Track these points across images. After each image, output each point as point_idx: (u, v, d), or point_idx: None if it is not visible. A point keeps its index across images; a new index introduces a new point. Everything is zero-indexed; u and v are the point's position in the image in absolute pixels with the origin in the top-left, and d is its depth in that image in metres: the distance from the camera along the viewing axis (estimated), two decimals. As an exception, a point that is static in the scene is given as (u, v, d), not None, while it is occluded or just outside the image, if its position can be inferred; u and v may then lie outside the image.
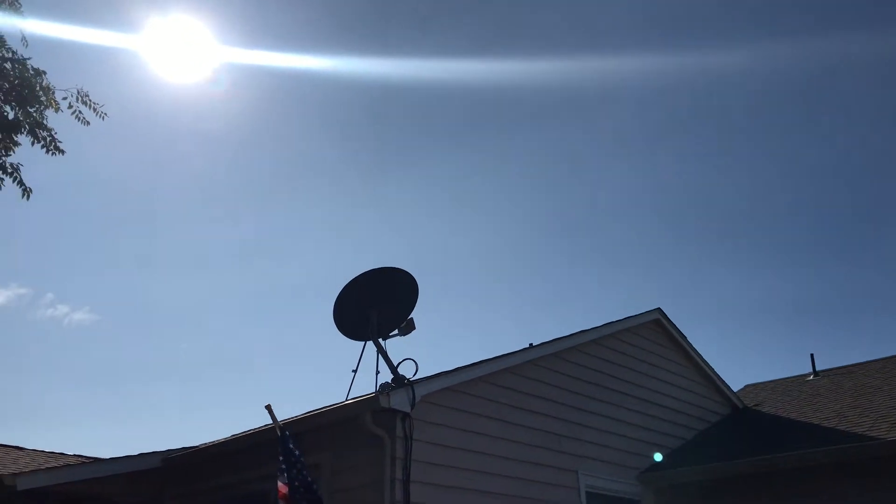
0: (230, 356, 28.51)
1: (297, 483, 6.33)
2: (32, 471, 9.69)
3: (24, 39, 7.10)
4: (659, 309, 11.57)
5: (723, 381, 12.34)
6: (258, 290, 26.70)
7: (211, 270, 25.84)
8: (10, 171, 6.91)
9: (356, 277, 8.24)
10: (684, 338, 11.82)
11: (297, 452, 6.49)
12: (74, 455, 14.69)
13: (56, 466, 9.87)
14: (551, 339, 9.49)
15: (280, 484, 6.35)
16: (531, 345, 9.24)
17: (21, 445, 14.83)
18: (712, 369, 12.16)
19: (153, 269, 25.81)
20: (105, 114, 7.03)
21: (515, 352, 8.91)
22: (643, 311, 11.31)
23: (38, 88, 6.70)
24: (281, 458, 6.45)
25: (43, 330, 26.28)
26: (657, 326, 11.61)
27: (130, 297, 26.16)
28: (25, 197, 6.95)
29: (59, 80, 7.15)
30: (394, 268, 8.23)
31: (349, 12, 19.17)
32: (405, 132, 22.99)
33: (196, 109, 17.99)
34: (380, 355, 7.76)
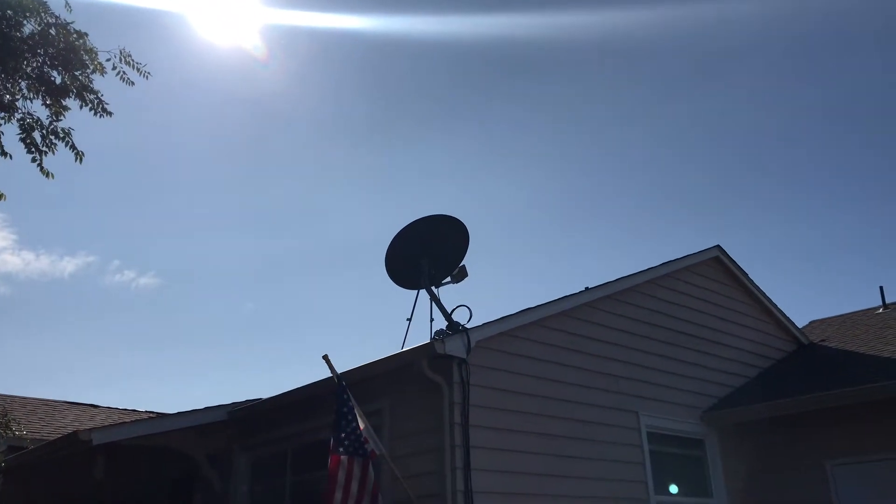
0: (291, 314, 29.13)
1: (343, 435, 6.41)
2: (107, 426, 10.10)
3: (67, 5, 7.14)
4: (718, 246, 11.25)
5: (786, 317, 12.00)
6: (314, 247, 27.08)
7: (265, 230, 26.25)
8: (62, 135, 6.99)
9: (406, 226, 8.22)
10: (745, 274, 11.50)
11: (350, 403, 6.56)
12: (146, 411, 15.31)
13: (128, 422, 10.26)
14: (606, 281, 9.34)
15: (332, 455, 6.40)
16: (587, 288, 9.12)
17: (96, 403, 15.50)
18: (775, 305, 11.82)
19: (210, 231, 26.37)
20: (148, 73, 7.03)
21: (570, 295, 8.80)
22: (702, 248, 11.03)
23: (81, 51, 6.73)
24: (335, 410, 6.54)
25: (112, 295, 27.23)
26: (716, 264, 11.31)
27: (192, 260, 26.84)
28: (78, 160, 7.04)
29: (103, 44, 7.18)
30: (443, 215, 8.18)
31: None
32: (448, 87, 22.76)
33: (241, 71, 18.05)
34: (433, 303, 7.76)
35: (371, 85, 21.77)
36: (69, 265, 26.74)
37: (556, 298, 8.51)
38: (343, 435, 6.43)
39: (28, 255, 25.89)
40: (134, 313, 28.08)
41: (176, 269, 27.86)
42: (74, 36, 6.68)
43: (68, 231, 27.42)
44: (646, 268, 9.96)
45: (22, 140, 6.83)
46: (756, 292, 11.62)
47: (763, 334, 11.69)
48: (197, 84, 18.99)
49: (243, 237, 26.47)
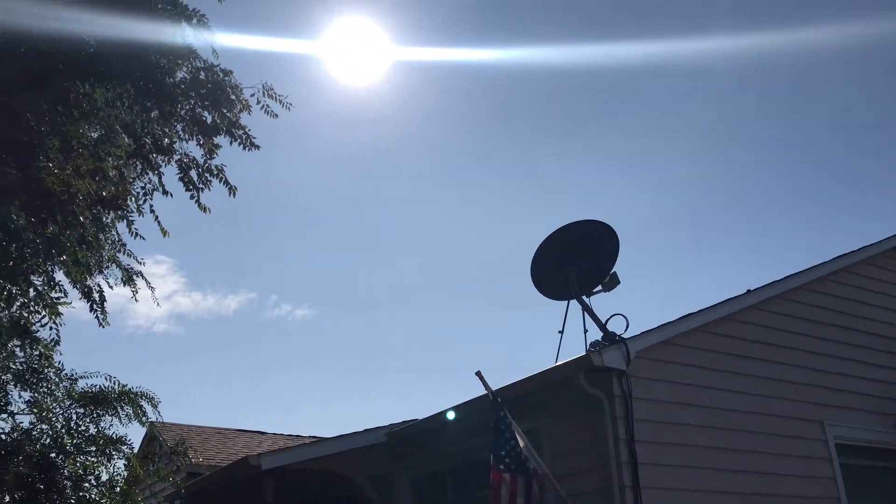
0: (440, 333, 29.45)
1: (503, 453, 6.20)
2: (274, 451, 10.44)
3: (214, 52, 7.52)
4: (899, 235, 10.14)
5: None
6: (455, 268, 27.28)
7: (406, 254, 26.75)
8: (216, 172, 7.32)
9: (551, 234, 7.93)
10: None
11: (507, 420, 6.35)
12: (309, 436, 15.81)
13: (293, 446, 10.57)
14: (771, 280, 8.60)
15: (493, 472, 6.23)
16: (748, 290, 8.43)
17: (263, 430, 16.20)
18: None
19: (354, 259, 27.25)
20: (290, 104, 7.23)
21: (734, 297, 8.16)
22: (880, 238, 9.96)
23: (228, 89, 7.02)
24: (493, 427, 6.36)
25: (272, 328, 28.71)
26: (899, 254, 10.19)
27: (343, 289, 27.82)
28: (232, 195, 7.35)
29: (244, 83, 7.48)
30: (589, 220, 7.82)
31: (508, 4, 19.45)
32: (573, 109, 22.55)
33: (373, 104, 18.65)
34: (585, 313, 7.42)
35: (494, 110, 21.98)
36: (232, 302, 28.48)
37: (717, 302, 7.92)
38: (503, 452, 6.23)
39: (197, 296, 27.82)
40: (293, 343, 29.44)
41: (328, 298, 28.98)
42: (220, 75, 6.98)
43: (230, 270, 29.25)
44: (816, 263, 9.10)
45: (180, 179, 7.21)
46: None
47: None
48: (330, 115, 19.79)
49: (386, 263, 27.13)
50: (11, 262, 7.08)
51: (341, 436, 9.47)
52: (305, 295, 28.88)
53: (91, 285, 8.18)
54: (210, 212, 7.14)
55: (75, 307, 8.37)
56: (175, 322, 28.86)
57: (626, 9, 20.22)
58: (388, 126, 20.39)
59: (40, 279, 8.10)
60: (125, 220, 8.05)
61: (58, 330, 7.56)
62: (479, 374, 6.63)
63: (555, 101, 22.19)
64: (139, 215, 7.77)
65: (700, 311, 7.71)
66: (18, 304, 7.42)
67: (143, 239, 7.72)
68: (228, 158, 7.48)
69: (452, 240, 26.64)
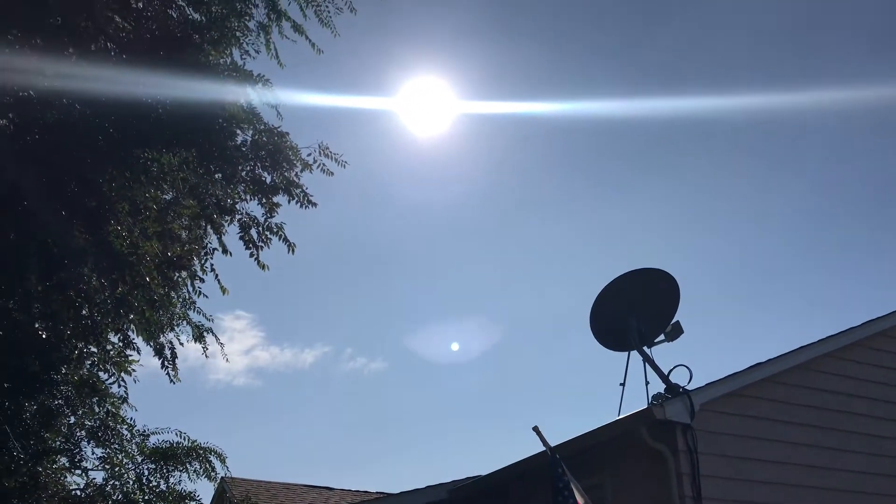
0: (503, 389, 29.15)
1: None
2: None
3: (278, 114, 7.83)
4: None
5: None
6: (522, 318, 27.08)
7: (469, 312, 26.77)
8: (275, 230, 7.52)
9: (610, 283, 7.77)
10: None
11: (565, 477, 6.16)
12: (377, 491, 15.70)
13: (359, 503, 10.52)
14: (847, 328, 8.18)
15: None
16: (820, 340, 8.02)
17: (330, 486, 16.18)
18: None
19: (419, 315, 27.49)
20: (346, 162, 7.41)
21: (807, 345, 7.80)
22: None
23: (287, 149, 7.25)
24: (551, 485, 6.18)
25: (348, 381, 29.01)
26: None
27: (413, 343, 28.00)
28: (291, 252, 7.52)
29: (306, 140, 7.72)
30: (648, 268, 7.64)
31: (573, 59, 19.99)
32: (636, 157, 22.58)
33: (441, 157, 19.04)
34: (647, 364, 7.20)
35: (555, 160, 22.20)
36: (309, 356, 28.93)
37: (788, 351, 7.58)
38: None
39: (275, 350, 28.39)
40: (368, 396, 29.63)
41: (401, 352, 29.14)
42: (278, 137, 7.22)
43: (306, 324, 29.78)
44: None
45: (241, 238, 7.43)
46: None
47: None
48: (403, 167, 20.23)
49: (452, 318, 27.21)
50: (84, 322, 7.41)
51: (404, 492, 9.40)
52: (379, 347, 29.21)
53: (163, 342, 8.44)
54: (269, 269, 7.31)
55: (144, 365, 8.63)
56: (254, 376, 29.51)
57: (692, 62, 20.34)
58: (459, 177, 20.74)
59: (116, 337, 8.42)
60: (194, 279, 8.33)
61: (126, 387, 7.82)
62: (536, 429, 6.48)
63: (616, 150, 22.18)
64: (203, 274, 8.04)
65: (769, 360, 7.40)
66: (89, 362, 7.71)
67: (206, 297, 7.95)
68: (300, 214, 7.64)
69: (514, 293, 26.57)
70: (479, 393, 28.90)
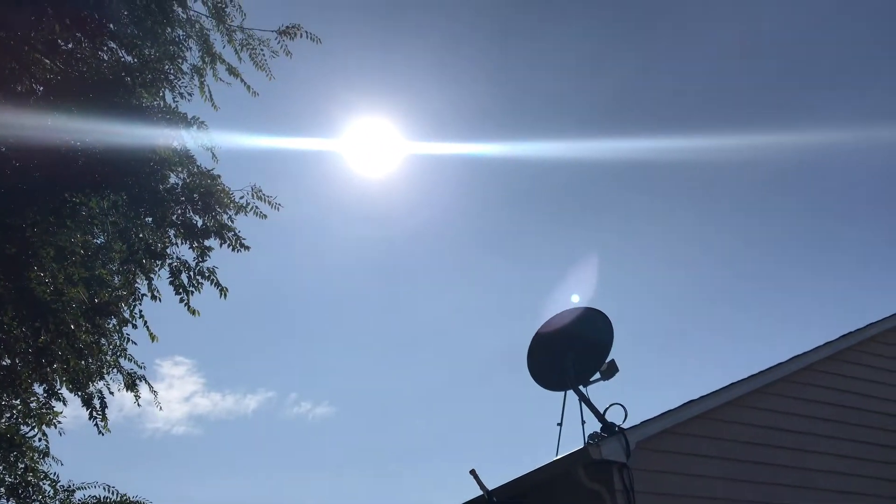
0: (443, 434, 28.93)
1: None
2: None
3: (213, 156, 7.75)
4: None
5: None
6: (464, 362, 27.05)
7: (413, 351, 26.68)
8: (207, 274, 7.39)
9: (545, 323, 7.83)
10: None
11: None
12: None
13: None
14: (777, 363, 8.37)
15: None
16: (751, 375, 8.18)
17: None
18: None
19: (369, 356, 27.15)
20: (279, 205, 7.38)
21: (739, 381, 7.92)
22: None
23: (219, 192, 7.17)
24: None
25: (293, 426, 28.36)
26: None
27: (360, 387, 27.63)
28: (223, 296, 7.40)
29: (241, 183, 7.65)
30: (583, 307, 7.74)
31: (516, 101, 20.54)
32: (576, 200, 23.22)
33: (386, 197, 19.11)
34: (583, 403, 7.23)
35: (503, 201, 22.52)
36: (252, 402, 28.25)
37: (720, 387, 7.70)
38: None
39: (216, 396, 27.64)
40: (313, 441, 29.02)
41: (346, 396, 28.71)
42: (210, 180, 7.14)
43: (248, 369, 29.14)
44: (821, 343, 8.87)
45: (171, 283, 7.27)
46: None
47: None
48: (349, 209, 20.22)
49: (399, 358, 26.99)
50: (2, 373, 7.10)
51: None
52: (325, 392, 28.74)
53: (92, 392, 8.14)
54: (199, 314, 7.17)
55: (74, 416, 8.29)
56: (194, 423, 28.62)
57: (634, 104, 21.13)
58: (403, 217, 20.86)
59: (41, 388, 8.07)
60: (124, 326, 8.09)
61: (47, 441, 7.50)
62: (473, 472, 6.43)
63: (560, 188, 22.70)
64: (133, 320, 7.82)
65: (702, 397, 7.49)
66: (8, 415, 7.39)
67: (136, 344, 7.74)
68: (238, 258, 7.52)
69: (459, 333, 26.64)
70: (422, 434, 28.59)
